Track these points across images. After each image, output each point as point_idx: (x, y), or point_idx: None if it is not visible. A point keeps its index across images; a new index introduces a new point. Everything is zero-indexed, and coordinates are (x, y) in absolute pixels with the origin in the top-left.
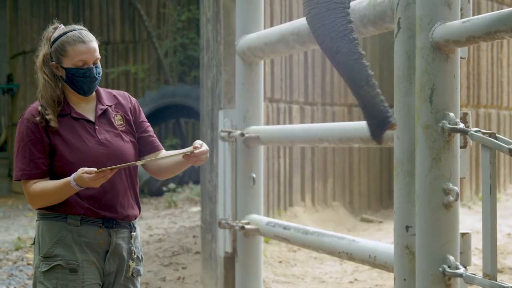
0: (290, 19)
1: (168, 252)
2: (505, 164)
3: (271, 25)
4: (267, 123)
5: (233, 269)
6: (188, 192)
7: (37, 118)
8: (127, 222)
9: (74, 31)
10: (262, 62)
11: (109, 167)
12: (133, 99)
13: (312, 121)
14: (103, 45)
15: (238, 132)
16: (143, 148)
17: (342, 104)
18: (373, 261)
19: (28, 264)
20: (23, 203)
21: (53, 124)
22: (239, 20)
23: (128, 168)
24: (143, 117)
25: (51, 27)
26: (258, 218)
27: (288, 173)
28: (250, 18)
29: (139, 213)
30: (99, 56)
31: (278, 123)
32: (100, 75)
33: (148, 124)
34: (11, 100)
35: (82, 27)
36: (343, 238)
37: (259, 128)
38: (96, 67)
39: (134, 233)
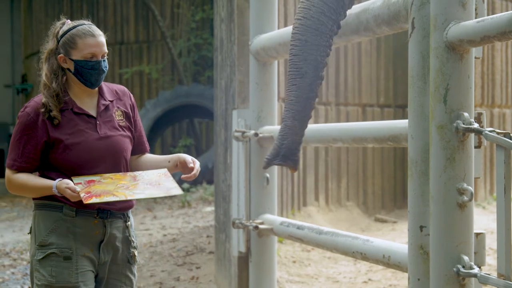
0: None
1: (182, 252)
2: None
3: (285, 25)
4: (281, 123)
5: (247, 269)
6: (202, 192)
7: (42, 110)
8: (121, 213)
9: (84, 25)
10: (276, 62)
11: (93, 202)
12: (132, 96)
13: (326, 121)
14: (117, 45)
15: (252, 132)
16: (139, 150)
17: (356, 104)
18: (387, 261)
19: None
20: None
21: (56, 121)
22: (253, 20)
23: (126, 161)
24: (137, 115)
25: (58, 23)
26: (272, 218)
27: (302, 173)
28: (264, 18)
29: (134, 203)
30: (106, 50)
31: None
32: (107, 68)
33: (141, 123)
34: (25, 100)
35: (90, 22)
36: (357, 238)
37: (273, 128)
38: (103, 60)
39: (129, 223)
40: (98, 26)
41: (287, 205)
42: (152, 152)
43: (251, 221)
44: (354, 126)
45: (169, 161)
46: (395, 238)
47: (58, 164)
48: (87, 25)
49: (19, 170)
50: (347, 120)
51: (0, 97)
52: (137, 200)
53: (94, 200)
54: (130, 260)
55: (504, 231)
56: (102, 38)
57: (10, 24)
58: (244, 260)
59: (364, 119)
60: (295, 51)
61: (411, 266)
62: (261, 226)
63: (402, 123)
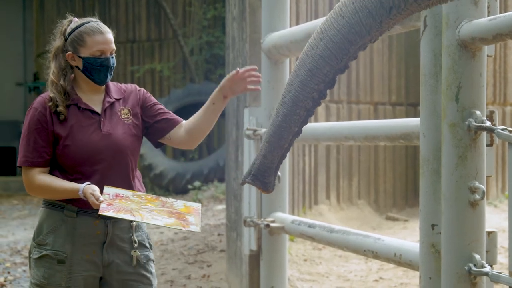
0: (316, 17)
1: (193, 250)
2: None
3: (297, 23)
4: None
5: (258, 267)
6: (213, 190)
7: (49, 104)
8: None
9: (92, 23)
10: (288, 60)
11: (107, 215)
12: (141, 90)
13: (338, 119)
14: (128, 43)
15: (264, 130)
16: (166, 126)
17: (368, 102)
18: (398, 259)
19: None
20: None
21: (62, 116)
22: (264, 18)
23: (129, 160)
24: (153, 100)
25: (65, 21)
26: (283, 216)
27: (313, 171)
28: (276, 16)
29: None
30: (114, 47)
31: None
32: (115, 65)
33: (161, 105)
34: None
35: (97, 19)
36: (368, 236)
37: None
38: (112, 57)
39: (134, 223)
40: (110, 25)
41: (299, 203)
42: (163, 150)
43: (262, 219)
44: (365, 124)
45: (214, 103)
46: (406, 237)
47: (59, 160)
48: (94, 22)
49: (32, 165)
50: (359, 118)
51: (12, 95)
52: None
53: (110, 213)
54: (139, 260)
55: None
56: (110, 35)
57: (22, 22)
58: (255, 258)
59: (376, 117)
60: (288, 80)
61: (422, 265)
62: (272, 225)
63: (414, 121)
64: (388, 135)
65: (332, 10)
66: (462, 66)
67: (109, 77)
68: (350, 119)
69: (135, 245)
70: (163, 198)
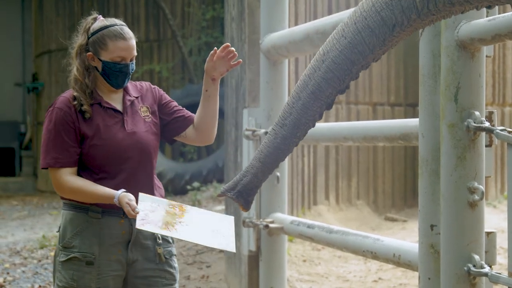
0: (315, 17)
1: (192, 250)
2: None
3: (296, 23)
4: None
5: (257, 268)
6: (212, 191)
7: (74, 103)
8: None
9: (116, 26)
10: (287, 60)
11: (143, 229)
12: (155, 87)
13: (337, 120)
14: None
15: (263, 130)
16: (183, 123)
17: (367, 103)
18: (397, 260)
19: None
20: (48, 202)
21: (87, 114)
22: (263, 18)
23: (152, 157)
24: (168, 97)
25: (90, 18)
26: (282, 217)
27: (312, 172)
28: (275, 17)
29: (161, 196)
30: (136, 53)
31: None
32: (134, 70)
33: (174, 102)
34: (36, 99)
35: (122, 23)
36: (367, 237)
37: None
38: (132, 63)
39: None
40: None
41: (298, 204)
42: (162, 151)
43: (261, 220)
44: (364, 124)
45: (206, 90)
46: (405, 237)
47: (85, 159)
48: (119, 26)
49: (64, 166)
50: (358, 119)
51: (11, 96)
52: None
53: (146, 228)
54: (160, 256)
55: None
56: (133, 41)
57: (21, 23)
58: (254, 259)
59: (375, 118)
60: (289, 101)
61: (421, 265)
62: (271, 225)
63: (413, 121)
64: (387, 135)
65: (334, 32)
66: (461, 66)
67: (126, 82)
68: (349, 119)
69: (159, 241)
70: (197, 209)
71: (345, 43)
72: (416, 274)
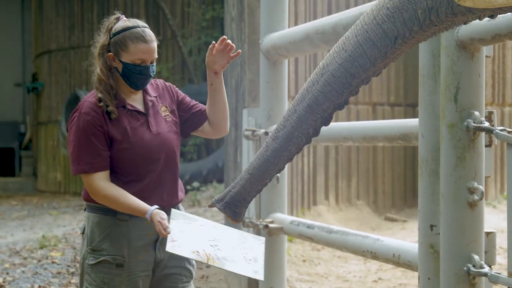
0: (315, 17)
1: None
2: None
3: (296, 23)
4: None
5: None
6: (212, 191)
7: (100, 104)
8: (173, 207)
9: (138, 28)
10: (287, 60)
11: (172, 252)
12: (170, 85)
13: (336, 120)
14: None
15: (262, 131)
16: (201, 118)
17: (366, 103)
18: (397, 260)
19: (53, 262)
20: (47, 202)
21: (113, 115)
22: (263, 18)
23: (177, 157)
24: (182, 93)
25: (112, 17)
26: (282, 217)
27: (312, 172)
28: (275, 17)
29: (184, 195)
30: (156, 56)
31: None
32: (154, 73)
33: (188, 97)
34: (36, 99)
35: (145, 24)
36: (367, 237)
37: None
38: (152, 65)
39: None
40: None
41: (297, 204)
42: None
43: (261, 220)
44: (364, 125)
45: (211, 84)
46: (405, 237)
47: (113, 163)
48: (141, 28)
49: (99, 170)
50: (358, 119)
51: (11, 96)
52: None
53: (177, 251)
54: None
55: None
56: (154, 44)
57: (21, 23)
58: None
59: (375, 118)
60: (285, 114)
61: (421, 265)
62: (271, 225)
63: (413, 122)
64: (386, 135)
65: (334, 45)
66: (461, 66)
67: (146, 84)
68: (348, 119)
69: None
70: (229, 229)
71: (345, 56)
72: (416, 274)
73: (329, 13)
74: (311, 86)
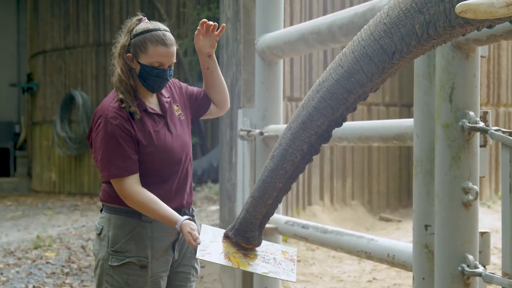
0: (310, 17)
1: None
2: None
3: (291, 24)
4: (286, 122)
5: None
6: (207, 191)
7: (123, 105)
8: (187, 208)
9: (159, 31)
10: (282, 61)
11: (202, 259)
12: (177, 82)
13: None
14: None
15: (257, 131)
16: (207, 102)
17: (361, 103)
18: (391, 260)
19: (47, 262)
20: (42, 202)
21: (136, 116)
22: (259, 19)
23: (191, 155)
24: (187, 85)
25: (135, 19)
26: (277, 217)
27: (307, 172)
28: (270, 17)
29: (193, 196)
30: (175, 60)
31: None
32: (171, 77)
33: (189, 86)
34: (31, 99)
35: (166, 28)
36: (362, 237)
37: (279, 127)
38: (170, 69)
39: (194, 216)
40: (104, 25)
41: (292, 204)
42: None
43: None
44: (359, 125)
45: (207, 68)
46: (399, 237)
47: (139, 167)
48: (162, 31)
49: (131, 173)
50: (353, 119)
51: (6, 96)
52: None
53: (206, 258)
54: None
55: (509, 230)
56: (173, 48)
57: (16, 24)
58: None
59: (370, 118)
60: (282, 133)
61: (415, 265)
62: (266, 225)
63: (408, 122)
64: (381, 136)
65: (331, 62)
66: (456, 66)
67: (162, 87)
68: None
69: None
70: (266, 243)
71: (341, 72)
72: (410, 274)
73: (325, 13)
74: (306, 103)
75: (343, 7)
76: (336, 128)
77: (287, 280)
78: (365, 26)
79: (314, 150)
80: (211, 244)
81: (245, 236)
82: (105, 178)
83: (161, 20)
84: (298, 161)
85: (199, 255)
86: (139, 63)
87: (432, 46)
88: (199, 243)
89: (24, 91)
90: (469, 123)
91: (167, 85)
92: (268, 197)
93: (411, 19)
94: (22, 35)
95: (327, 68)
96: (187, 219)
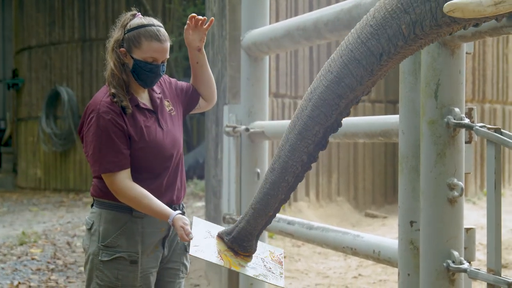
0: (296, 14)
1: None
2: (510, 159)
3: (277, 20)
4: (272, 118)
5: None
6: (192, 187)
7: (114, 100)
8: (178, 204)
9: (153, 27)
10: (267, 57)
11: (195, 255)
12: (167, 77)
13: None
14: (108, 40)
15: (243, 127)
16: (196, 96)
17: None
18: (377, 256)
19: (33, 259)
20: (27, 198)
21: (128, 110)
22: (244, 15)
23: (181, 150)
24: (177, 81)
25: (129, 14)
26: None
27: None
28: (256, 13)
29: (185, 192)
30: (168, 56)
31: (283, 118)
32: (164, 72)
33: (178, 81)
34: (16, 95)
35: (160, 24)
36: (347, 233)
37: (264, 123)
38: (163, 65)
39: (185, 213)
40: (89, 22)
41: None
42: None
43: (241, 216)
44: (345, 121)
45: (197, 62)
46: (385, 234)
47: (130, 162)
48: (156, 27)
49: (122, 168)
50: None
51: None
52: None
53: (199, 255)
54: (186, 248)
55: (494, 226)
56: (167, 44)
57: (1, 19)
58: None
59: (355, 115)
60: (279, 145)
61: (401, 261)
62: None
63: (393, 118)
64: (367, 132)
65: (321, 69)
66: (441, 63)
67: (155, 83)
68: None
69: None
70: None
71: (331, 78)
72: (396, 270)
73: (311, 9)
74: (300, 112)
75: (328, 3)
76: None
77: (275, 285)
78: (352, 30)
79: (313, 158)
80: (204, 241)
81: (242, 244)
82: (96, 173)
83: (146, 16)
84: (299, 171)
85: (192, 251)
86: (132, 58)
87: (420, 46)
88: (192, 238)
89: (9, 87)
90: (454, 119)
91: (160, 82)
92: (270, 208)
93: (397, 19)
94: (7, 30)
95: (317, 75)
96: (179, 213)
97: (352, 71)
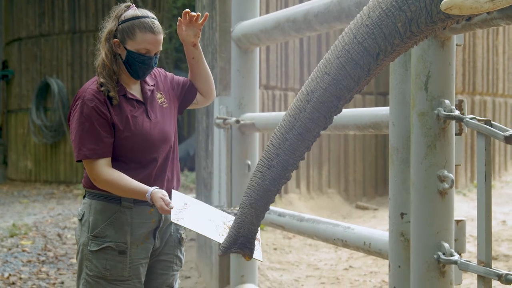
0: (286, 5)
1: None
2: (500, 151)
3: (267, 12)
4: (263, 110)
5: (228, 256)
6: (183, 179)
7: (102, 89)
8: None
9: (147, 19)
10: (258, 49)
11: (179, 224)
12: (163, 71)
13: None
14: (98, 31)
15: (234, 119)
16: (193, 92)
17: None
18: (368, 248)
19: (23, 251)
20: (18, 190)
21: (115, 101)
22: (234, 6)
23: (174, 143)
24: (173, 75)
25: (123, 5)
26: None
27: None
28: (246, 5)
29: (179, 184)
30: (161, 49)
31: (274, 110)
32: (156, 64)
33: (175, 75)
34: (6, 87)
35: (154, 16)
36: (338, 225)
37: (255, 115)
38: (155, 57)
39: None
40: (80, 13)
41: None
42: None
43: (232, 208)
44: None
45: (193, 58)
46: (376, 225)
47: (116, 151)
48: (150, 19)
49: (101, 156)
50: None
51: None
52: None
53: (181, 223)
54: (180, 241)
55: (485, 218)
56: (161, 36)
57: None
58: None
59: (346, 106)
60: (273, 141)
61: (391, 253)
62: None
63: (384, 110)
64: (357, 124)
65: (315, 69)
66: (431, 55)
67: (147, 74)
68: None
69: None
70: (225, 214)
71: (329, 80)
72: (387, 262)
73: (301, 1)
74: (298, 113)
75: None
76: None
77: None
78: (346, 30)
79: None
80: (184, 211)
81: (250, 248)
82: (76, 158)
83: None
84: (296, 167)
85: (173, 219)
86: (126, 49)
87: (415, 42)
88: (172, 208)
89: None
90: (444, 111)
91: (152, 73)
92: (270, 203)
93: (393, 18)
94: None
95: (312, 77)
96: (157, 188)
97: (349, 72)
